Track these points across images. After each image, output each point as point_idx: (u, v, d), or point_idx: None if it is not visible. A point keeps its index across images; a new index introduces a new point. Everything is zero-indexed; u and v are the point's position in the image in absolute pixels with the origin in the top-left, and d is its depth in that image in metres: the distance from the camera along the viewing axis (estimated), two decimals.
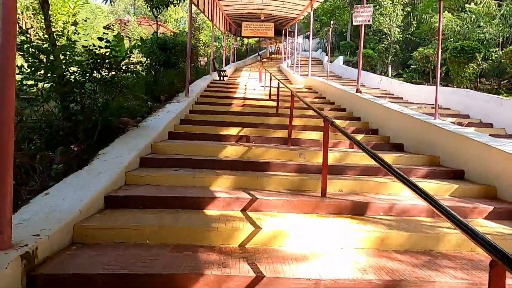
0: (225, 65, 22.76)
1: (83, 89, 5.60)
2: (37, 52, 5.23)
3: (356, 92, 9.53)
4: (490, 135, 6.00)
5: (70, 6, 12.80)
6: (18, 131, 5.36)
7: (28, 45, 5.12)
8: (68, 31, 6.26)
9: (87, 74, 5.61)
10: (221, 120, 7.74)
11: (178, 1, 14.92)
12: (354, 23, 9.79)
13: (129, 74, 6.53)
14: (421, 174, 5.19)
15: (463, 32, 16.86)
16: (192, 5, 10.44)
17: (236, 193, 4.15)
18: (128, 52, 6.19)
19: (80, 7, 13.77)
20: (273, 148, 5.89)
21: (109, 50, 5.73)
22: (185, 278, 2.62)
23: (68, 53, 5.43)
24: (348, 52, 28.58)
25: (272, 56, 41.60)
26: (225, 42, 26.04)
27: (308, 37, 29.16)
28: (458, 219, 1.89)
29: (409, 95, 14.01)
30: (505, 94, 13.03)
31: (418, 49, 18.69)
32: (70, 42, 5.52)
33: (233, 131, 6.96)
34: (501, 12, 15.97)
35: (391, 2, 22.70)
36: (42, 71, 5.21)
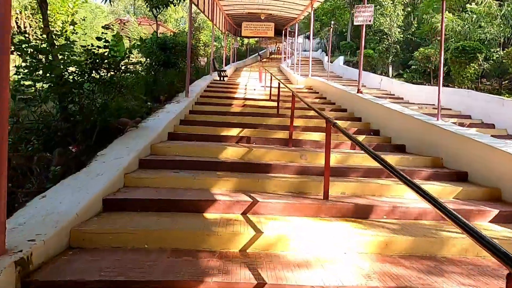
0: (225, 65, 22.67)
1: (81, 89, 5.53)
2: (35, 52, 5.16)
3: (357, 92, 9.45)
4: (492, 136, 5.93)
5: (69, 6, 12.73)
6: (15, 132, 5.29)
7: (26, 45, 5.05)
8: (66, 31, 6.16)
9: (86, 74, 5.54)
10: (221, 121, 7.67)
11: (178, 1, 14.84)
12: (355, 23, 9.70)
13: (129, 74, 6.46)
14: (424, 176, 5.11)
15: (464, 32, 16.78)
16: (192, 4, 10.36)
17: (236, 195, 4.08)
18: (127, 52, 6.12)
19: (79, 6, 13.68)
20: (274, 149, 5.82)
21: (107, 50, 5.66)
22: (184, 285, 2.55)
23: (66, 53, 5.36)
24: (348, 52, 28.50)
25: (272, 56, 41.48)
26: (225, 42, 25.95)
27: (308, 37, 29.10)
28: (468, 225, 1.81)
29: (410, 95, 13.93)
30: (507, 95, 12.95)
31: (419, 49, 18.61)
32: (69, 42, 5.45)
33: (234, 132, 6.89)
34: (502, 12, 15.90)
35: (391, 2, 22.62)
36: (41, 71, 5.14)
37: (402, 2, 23.39)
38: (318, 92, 12.99)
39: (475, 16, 16.76)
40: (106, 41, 5.68)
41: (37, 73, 5.16)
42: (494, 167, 4.78)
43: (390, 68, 23.02)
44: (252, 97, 11.71)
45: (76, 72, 5.48)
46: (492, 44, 16.00)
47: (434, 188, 4.59)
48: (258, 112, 8.81)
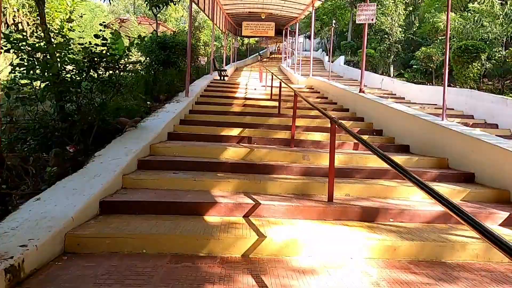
0: (226, 64, 22.53)
1: (79, 88, 5.40)
2: (32, 51, 5.03)
3: (359, 92, 9.32)
4: (495, 135, 5.81)
5: (67, 4, 12.59)
6: (10, 131, 5.16)
7: (23, 43, 4.92)
8: (63, 28, 6.03)
9: (84, 73, 5.41)
10: (221, 121, 7.54)
11: (178, 0, 14.70)
12: (357, 22, 9.55)
13: (128, 73, 6.33)
14: (431, 177, 4.98)
15: (466, 31, 16.65)
16: (192, 3, 10.24)
17: (238, 197, 3.95)
18: (126, 51, 5.99)
19: (78, 5, 13.54)
20: (275, 149, 5.69)
21: (105, 48, 5.52)
22: None
23: (63, 51, 5.23)
24: (349, 52, 28.36)
25: (273, 56, 41.34)
26: (225, 41, 25.81)
27: (308, 37, 29.00)
28: (489, 230, 1.68)
29: (412, 95, 13.81)
30: (510, 94, 12.82)
31: (420, 48, 18.48)
32: (65, 40, 5.32)
33: (234, 132, 6.76)
34: (505, 11, 15.77)
35: (393, 1, 22.48)
36: (38, 70, 5.01)
37: (403, 2, 23.27)
38: (319, 92, 12.87)
39: (477, 15, 16.64)
40: (104, 38, 5.55)
41: (34, 71, 5.03)
42: (503, 168, 4.65)
43: (391, 68, 22.89)
44: (253, 96, 11.58)
45: (74, 70, 5.35)
46: (494, 44, 15.88)
47: (442, 190, 4.36)
48: (259, 112, 8.69)
